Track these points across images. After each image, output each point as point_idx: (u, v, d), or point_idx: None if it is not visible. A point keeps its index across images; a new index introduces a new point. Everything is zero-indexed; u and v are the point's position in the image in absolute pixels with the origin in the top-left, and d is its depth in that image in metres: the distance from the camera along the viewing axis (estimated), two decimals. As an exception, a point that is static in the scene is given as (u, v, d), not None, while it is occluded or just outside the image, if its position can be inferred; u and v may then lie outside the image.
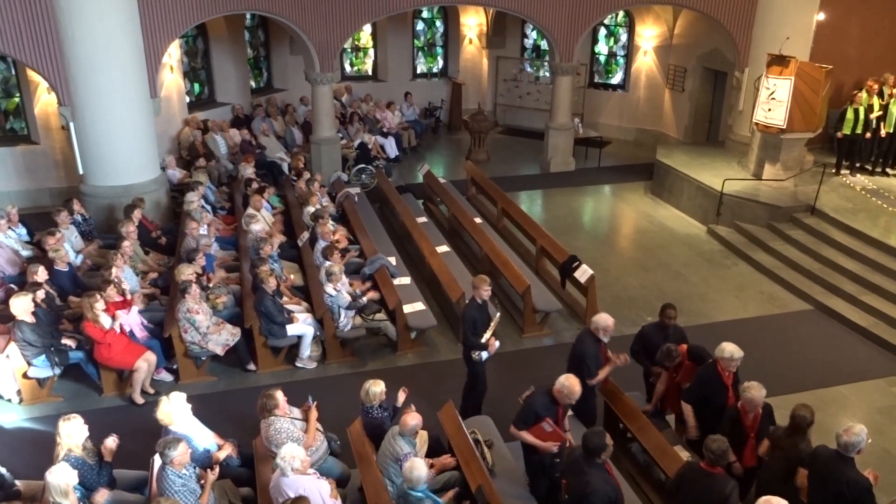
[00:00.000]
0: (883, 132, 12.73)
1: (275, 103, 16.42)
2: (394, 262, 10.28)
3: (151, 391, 8.15)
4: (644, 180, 15.28)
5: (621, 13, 17.63)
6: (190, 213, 10.26)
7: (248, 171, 12.80)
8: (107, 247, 10.14)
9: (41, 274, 8.46)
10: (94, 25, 10.32)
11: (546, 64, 18.07)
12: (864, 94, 12.66)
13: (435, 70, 19.63)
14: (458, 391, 7.71)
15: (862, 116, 12.62)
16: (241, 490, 6.18)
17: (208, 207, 11.60)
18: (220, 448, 6.33)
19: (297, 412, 6.36)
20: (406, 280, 10.03)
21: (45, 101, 12.88)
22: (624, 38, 18.09)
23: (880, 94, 12.73)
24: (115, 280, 8.34)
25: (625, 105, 18.39)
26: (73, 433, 5.76)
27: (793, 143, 12.46)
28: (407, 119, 17.83)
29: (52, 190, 13.28)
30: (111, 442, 6.03)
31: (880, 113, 12.69)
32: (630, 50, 17.99)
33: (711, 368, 6.46)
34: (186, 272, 8.42)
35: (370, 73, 19.17)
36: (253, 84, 17.01)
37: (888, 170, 13.21)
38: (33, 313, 7.80)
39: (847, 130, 12.70)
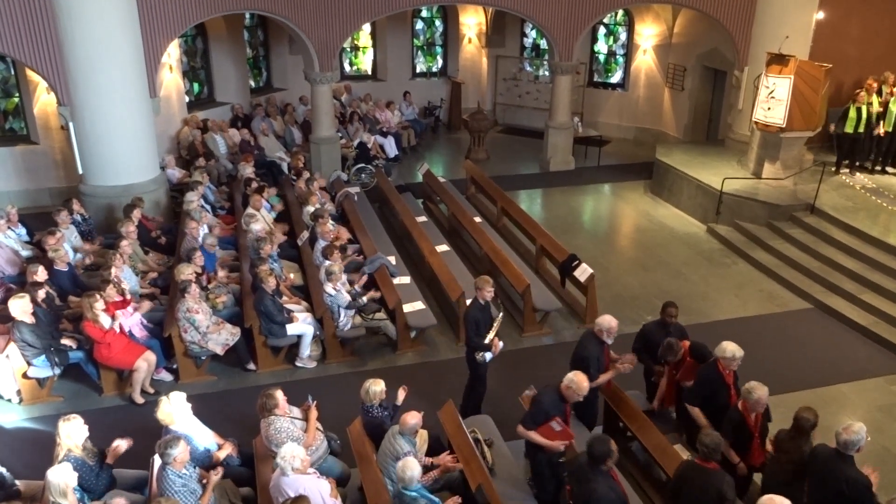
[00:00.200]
0: (882, 131, 12.72)
1: (274, 103, 16.41)
2: (393, 262, 10.28)
3: (151, 391, 8.15)
4: (644, 179, 15.27)
5: (621, 12, 17.62)
6: (189, 213, 10.26)
7: (248, 170, 12.79)
8: (108, 246, 10.13)
9: (41, 274, 8.47)
10: (93, 25, 10.32)
11: (545, 63, 18.06)
12: (865, 94, 12.66)
13: (434, 69, 19.61)
14: (459, 390, 7.71)
15: (864, 115, 12.61)
16: (241, 490, 6.18)
17: (208, 207, 11.61)
18: (220, 447, 6.33)
19: (296, 411, 6.36)
20: (406, 279, 10.03)
21: (44, 100, 12.88)
22: (623, 36, 18.08)
23: (879, 93, 12.72)
24: (115, 280, 8.34)
25: (624, 104, 18.38)
26: (73, 433, 5.75)
27: (792, 142, 12.48)
28: (406, 118, 17.81)
29: (51, 190, 13.28)
30: (124, 445, 5.99)
31: (880, 110, 12.69)
32: (629, 49, 17.98)
33: (712, 368, 6.45)
34: (186, 272, 8.42)
35: (369, 72, 19.17)
36: (252, 83, 17.01)
37: (888, 168, 13.20)
38: (33, 313, 7.80)
39: (849, 129, 12.69)
